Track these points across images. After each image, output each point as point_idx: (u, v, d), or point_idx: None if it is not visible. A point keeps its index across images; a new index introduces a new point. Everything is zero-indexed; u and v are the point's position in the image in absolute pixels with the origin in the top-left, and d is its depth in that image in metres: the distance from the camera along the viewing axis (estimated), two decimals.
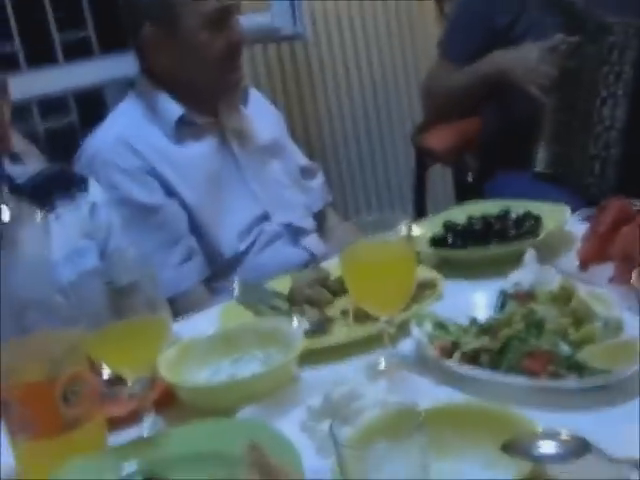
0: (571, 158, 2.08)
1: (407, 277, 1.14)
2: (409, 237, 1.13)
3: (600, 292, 1.19)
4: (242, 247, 1.84)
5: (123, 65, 2.03)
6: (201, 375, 1.22)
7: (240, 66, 1.88)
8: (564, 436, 0.86)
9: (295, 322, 1.26)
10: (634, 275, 1.03)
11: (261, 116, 1.99)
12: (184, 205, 1.80)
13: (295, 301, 1.40)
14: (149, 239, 1.76)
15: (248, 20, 2.76)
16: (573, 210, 1.57)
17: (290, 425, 1.03)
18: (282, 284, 1.47)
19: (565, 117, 2.08)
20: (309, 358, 1.20)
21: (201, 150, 1.85)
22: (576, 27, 2.06)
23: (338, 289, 1.41)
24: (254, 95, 2.02)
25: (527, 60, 2.12)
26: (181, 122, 1.83)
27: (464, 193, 2.60)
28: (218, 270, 1.83)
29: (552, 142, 2.09)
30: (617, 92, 2.02)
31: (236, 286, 1.46)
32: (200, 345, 1.26)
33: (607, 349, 1.08)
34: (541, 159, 2.10)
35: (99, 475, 0.96)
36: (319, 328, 1.31)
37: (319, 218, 2.04)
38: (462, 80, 2.30)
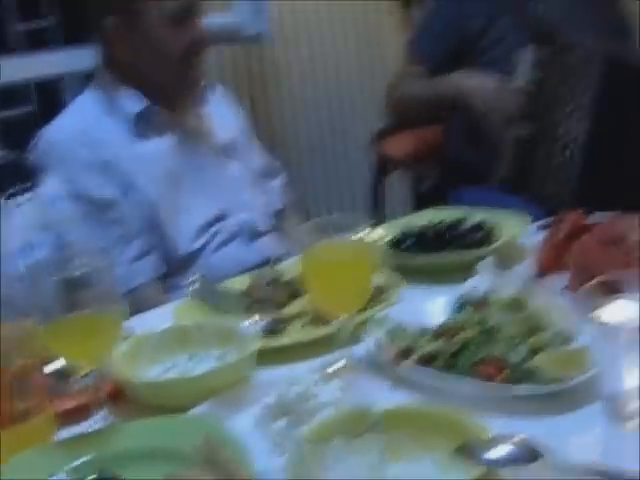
0: (533, 169, 2.11)
1: (364, 279, 1.14)
2: (368, 240, 1.13)
3: (554, 301, 1.21)
4: (198, 245, 1.83)
5: (83, 57, 2.01)
6: (154, 371, 1.21)
7: (201, 64, 1.87)
8: (516, 441, 0.87)
9: (251, 321, 1.26)
10: (587, 285, 1.04)
11: (222, 115, 1.99)
12: (141, 201, 1.78)
13: (251, 300, 1.39)
14: (105, 234, 1.74)
15: (212, 20, 2.76)
16: (533, 220, 1.58)
17: (244, 423, 1.02)
18: (239, 283, 1.47)
19: (528, 128, 2.10)
20: (264, 357, 1.20)
21: (160, 146, 1.84)
22: (544, 41, 2.08)
23: (295, 289, 1.42)
24: (217, 93, 2.01)
25: (487, 90, 2.14)
26: (141, 117, 1.82)
27: (422, 201, 2.62)
28: (173, 267, 1.82)
29: (515, 153, 2.11)
30: (581, 106, 2.05)
31: (193, 283, 1.45)
32: (154, 341, 1.24)
33: (559, 357, 1.09)
34: (504, 169, 2.13)
35: (48, 469, 0.94)
36: (275, 328, 1.31)
37: (278, 218, 2.03)
38: (424, 92, 2.31)
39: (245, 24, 2.67)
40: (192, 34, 1.81)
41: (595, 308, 1.02)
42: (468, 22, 2.28)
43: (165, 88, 1.84)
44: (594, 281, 1.05)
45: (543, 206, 2.05)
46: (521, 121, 2.11)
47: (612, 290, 1.05)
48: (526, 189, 2.12)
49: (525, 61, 2.11)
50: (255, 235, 1.92)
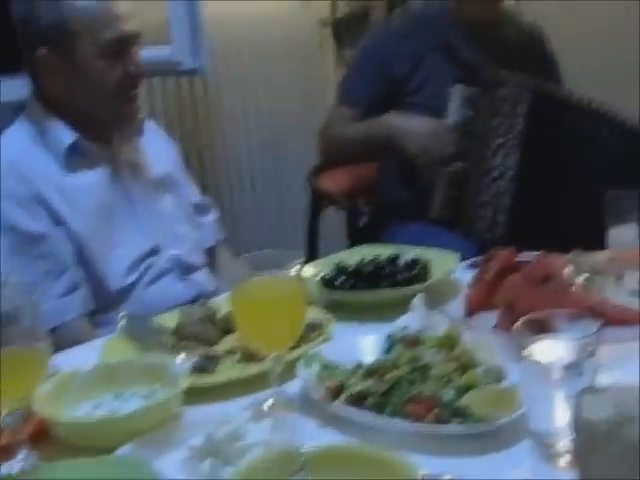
0: (465, 204, 2.14)
1: (296, 316, 1.14)
2: (300, 276, 1.13)
3: (484, 339, 1.22)
4: (129, 280, 1.80)
5: (15, 87, 1.98)
6: (80, 410, 1.18)
7: (136, 97, 1.85)
8: None
9: (180, 359, 1.24)
10: (516, 324, 1.05)
11: (156, 149, 1.97)
12: (72, 235, 1.75)
13: (182, 337, 1.37)
14: (33, 268, 1.70)
15: (148, 52, 2.75)
16: (466, 255, 1.60)
17: (170, 465, 1.00)
18: (169, 319, 1.44)
19: (460, 164, 2.14)
20: (194, 396, 1.18)
21: (92, 180, 1.81)
22: (472, 79, 2.13)
23: (226, 326, 1.40)
24: (150, 127, 1.99)
25: (419, 132, 2.17)
26: (73, 150, 1.79)
27: (357, 237, 2.62)
28: (104, 303, 1.78)
29: (448, 188, 2.14)
30: (508, 142, 2.10)
31: (122, 319, 1.42)
32: (80, 379, 1.21)
33: (489, 395, 1.10)
34: (437, 205, 2.15)
35: None
36: (205, 366, 1.29)
37: (210, 254, 2.02)
38: (357, 133, 2.33)
39: (182, 58, 2.66)
40: (127, 67, 1.80)
41: (524, 347, 1.03)
42: (395, 65, 2.32)
43: (98, 121, 1.82)
44: (523, 320, 1.06)
45: (476, 241, 2.09)
46: (453, 158, 2.14)
47: (541, 329, 1.07)
48: (459, 225, 2.15)
49: (455, 100, 2.15)
50: (188, 270, 1.90)
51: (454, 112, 2.15)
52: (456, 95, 2.14)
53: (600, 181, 2.05)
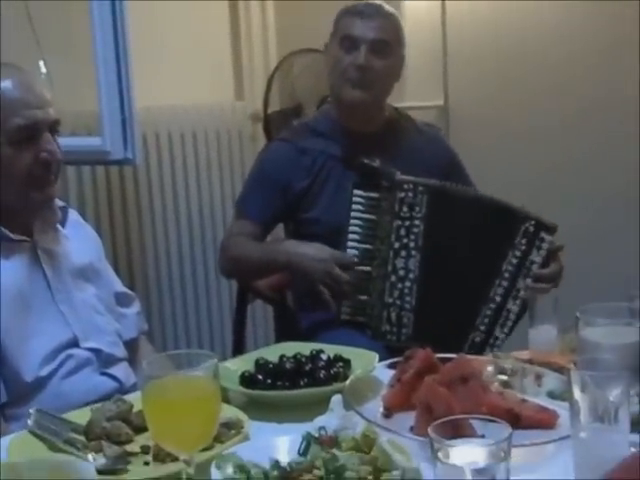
0: (371, 306, 2.16)
1: (208, 416, 1.12)
2: (214, 375, 1.11)
3: (400, 441, 1.21)
4: (45, 372, 1.75)
5: None
6: None
7: (48, 184, 1.82)
8: None
9: (90, 458, 1.20)
10: (433, 426, 1.05)
11: (79, 238, 1.94)
12: None
13: (92, 435, 1.33)
14: None
15: (78, 141, 2.75)
16: (381, 357, 1.60)
17: None
18: (81, 417, 1.40)
19: (366, 267, 2.17)
20: None
21: (10, 268, 1.77)
22: (371, 184, 2.17)
23: (140, 424, 1.36)
24: (73, 216, 1.97)
25: (320, 261, 2.19)
26: None
27: (285, 331, 2.62)
28: (17, 395, 1.73)
29: (355, 290, 2.17)
30: (409, 244, 2.15)
31: (32, 415, 1.38)
32: None
33: None
34: (346, 307, 2.18)
35: None
36: (116, 465, 1.25)
37: (132, 347, 1.98)
38: (256, 255, 2.35)
39: (113, 148, 2.65)
40: (38, 153, 1.78)
41: (440, 450, 1.02)
42: (292, 181, 2.35)
43: (13, 209, 1.79)
44: (439, 423, 1.06)
45: (382, 342, 2.10)
46: (357, 266, 2.17)
47: (457, 432, 1.07)
48: (367, 327, 2.17)
49: (355, 205, 2.18)
50: (107, 363, 1.86)
51: (356, 218, 2.18)
52: (357, 200, 2.17)
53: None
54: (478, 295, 2.15)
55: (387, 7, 2.36)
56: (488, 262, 2.15)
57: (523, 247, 2.14)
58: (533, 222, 2.14)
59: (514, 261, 2.13)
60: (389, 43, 2.34)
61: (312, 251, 2.24)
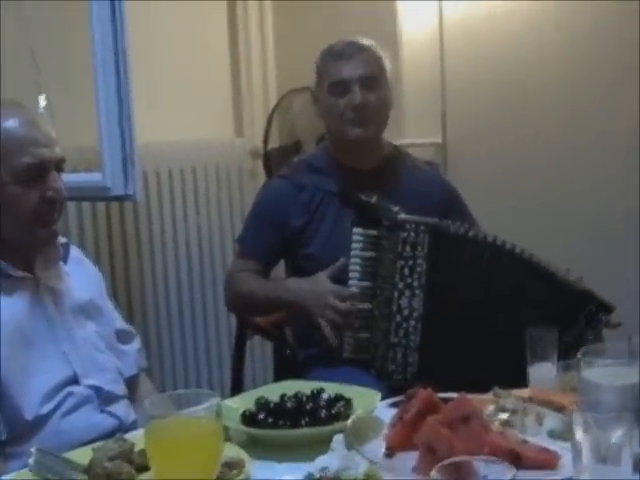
0: (375, 345, 2.16)
1: (211, 456, 1.12)
2: (217, 415, 1.11)
3: None
4: (45, 410, 1.74)
5: None
6: None
7: (52, 222, 1.83)
8: None
9: None
10: (435, 467, 1.05)
11: (80, 275, 1.95)
12: None
13: (94, 475, 1.32)
14: None
15: (78, 177, 2.75)
16: (384, 396, 1.60)
17: None
18: (82, 456, 1.40)
19: (368, 305, 2.16)
20: None
21: (12, 304, 1.77)
22: (372, 222, 2.18)
23: (143, 463, 1.35)
24: (74, 252, 1.98)
25: (320, 295, 2.20)
26: None
27: (284, 367, 2.61)
28: (17, 433, 1.72)
29: (358, 329, 2.16)
30: (412, 284, 2.15)
31: (32, 455, 1.37)
32: None
33: None
34: (348, 345, 2.17)
35: None
36: None
37: (131, 384, 1.98)
38: (260, 292, 2.36)
39: (113, 184, 2.66)
40: (44, 191, 1.79)
41: None
42: (291, 218, 2.37)
43: (17, 245, 1.80)
44: (441, 465, 1.05)
45: (386, 382, 2.09)
46: (357, 301, 2.17)
47: (458, 473, 1.06)
48: (371, 366, 2.16)
49: (355, 243, 2.18)
50: (108, 401, 1.85)
51: (356, 256, 2.18)
52: (356, 238, 2.18)
53: (506, 316, 2.12)
54: (482, 334, 2.12)
55: (363, 41, 2.39)
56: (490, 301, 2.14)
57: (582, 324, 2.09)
58: (595, 304, 2.10)
59: (569, 339, 2.00)
60: (376, 76, 2.37)
61: (310, 285, 2.24)
